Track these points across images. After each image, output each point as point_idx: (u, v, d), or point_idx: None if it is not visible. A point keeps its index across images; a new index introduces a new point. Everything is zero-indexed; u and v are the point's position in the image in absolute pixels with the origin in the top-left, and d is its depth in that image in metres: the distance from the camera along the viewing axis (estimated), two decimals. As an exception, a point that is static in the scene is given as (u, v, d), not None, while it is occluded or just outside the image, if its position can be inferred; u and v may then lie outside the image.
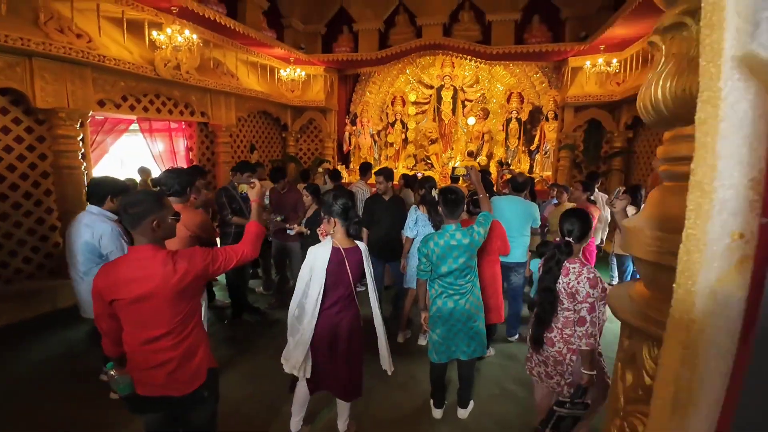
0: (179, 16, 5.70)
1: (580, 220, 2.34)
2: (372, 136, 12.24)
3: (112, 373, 1.89)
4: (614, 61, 7.43)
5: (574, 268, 2.31)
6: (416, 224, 4.26)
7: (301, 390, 2.71)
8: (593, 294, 2.22)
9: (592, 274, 2.27)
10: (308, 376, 2.57)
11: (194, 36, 5.61)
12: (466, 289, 2.91)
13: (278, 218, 4.82)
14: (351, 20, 8.84)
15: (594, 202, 5.01)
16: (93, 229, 2.90)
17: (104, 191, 2.98)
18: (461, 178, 6.21)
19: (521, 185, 4.59)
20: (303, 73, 8.49)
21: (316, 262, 2.53)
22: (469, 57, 8.91)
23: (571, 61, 8.22)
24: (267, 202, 5.53)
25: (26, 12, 4.44)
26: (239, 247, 2.13)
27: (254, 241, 2.19)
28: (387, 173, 4.81)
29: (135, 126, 6.50)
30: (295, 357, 2.52)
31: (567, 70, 8.37)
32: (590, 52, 7.67)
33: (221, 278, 5.79)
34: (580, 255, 4.84)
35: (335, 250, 2.55)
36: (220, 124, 7.34)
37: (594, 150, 9.15)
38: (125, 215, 1.81)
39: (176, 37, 5.43)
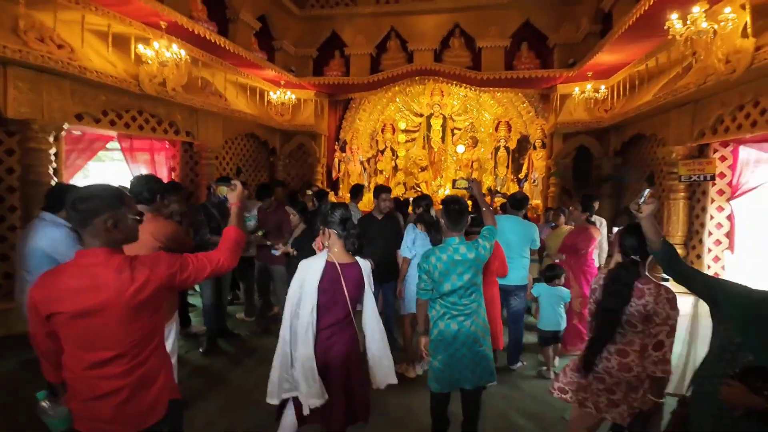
0: (168, 32, 5.54)
1: (641, 236, 2.11)
2: (362, 162, 12.10)
3: (43, 404, 1.50)
4: (602, 87, 7.49)
5: (649, 289, 2.07)
6: (414, 244, 3.96)
7: (288, 419, 2.30)
8: (674, 316, 2.03)
9: (672, 295, 2.05)
10: (318, 404, 2.16)
11: (182, 51, 5.42)
12: (471, 310, 2.60)
13: (260, 233, 4.47)
14: (343, 45, 8.85)
15: (594, 223, 4.81)
16: (45, 234, 2.55)
17: (60, 197, 2.63)
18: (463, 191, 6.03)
19: (519, 202, 4.37)
20: (293, 97, 8.35)
21: (307, 275, 2.21)
22: (459, 83, 8.95)
23: (559, 88, 8.28)
24: (254, 222, 5.21)
25: (5, 19, 4.20)
26: (215, 255, 1.79)
27: (232, 249, 1.86)
28: (390, 190, 4.60)
29: (114, 144, 6.17)
30: (305, 390, 2.13)
31: (556, 97, 8.42)
32: (578, 78, 7.74)
33: (198, 302, 5.34)
34: (587, 275, 4.64)
35: (330, 265, 2.24)
36: (206, 145, 7.07)
37: (583, 177, 9.10)
38: (73, 212, 1.47)
39: (163, 53, 5.23)
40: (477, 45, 8.15)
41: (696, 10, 4.46)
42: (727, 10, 4.36)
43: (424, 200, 4.29)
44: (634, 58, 6.80)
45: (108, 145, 6.16)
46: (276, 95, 8.14)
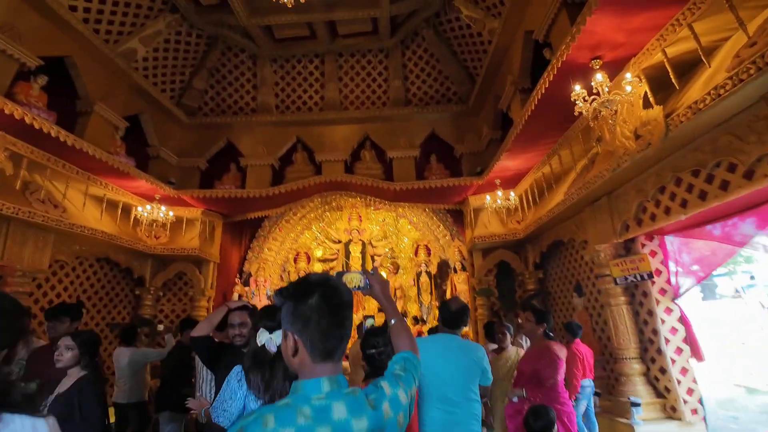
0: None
1: None
2: (269, 297, 9.98)
3: None
4: (512, 194, 6.82)
5: None
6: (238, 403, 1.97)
7: None
8: None
9: None
10: None
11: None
12: None
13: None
14: (240, 156, 7.65)
15: (553, 338, 3.19)
16: None
17: None
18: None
19: (455, 315, 2.65)
20: (171, 214, 6.61)
21: None
22: (371, 200, 7.95)
23: (471, 201, 7.57)
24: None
25: None
26: None
27: None
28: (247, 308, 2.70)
29: None
30: None
31: (469, 211, 7.64)
32: (488, 188, 7.11)
33: None
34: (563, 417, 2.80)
35: None
36: (13, 267, 4.82)
37: (509, 295, 7.84)
38: None
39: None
40: (388, 155, 7.45)
41: (599, 77, 3.88)
42: (628, 75, 3.82)
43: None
44: (536, 161, 6.32)
45: None
46: (146, 210, 6.33)
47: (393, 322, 1.47)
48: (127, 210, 6.54)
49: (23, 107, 4.55)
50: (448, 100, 7.80)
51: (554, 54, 4.37)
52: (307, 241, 10.90)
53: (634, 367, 5.01)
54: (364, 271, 1.58)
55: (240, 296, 9.84)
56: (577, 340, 4.92)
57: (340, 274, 1.65)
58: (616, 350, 5.15)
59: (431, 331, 4.67)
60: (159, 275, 7.29)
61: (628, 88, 3.87)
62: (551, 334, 3.28)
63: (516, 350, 3.89)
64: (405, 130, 7.53)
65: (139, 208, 6.37)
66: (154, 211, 6.42)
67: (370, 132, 7.56)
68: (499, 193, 6.85)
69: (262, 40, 6.85)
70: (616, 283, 5.09)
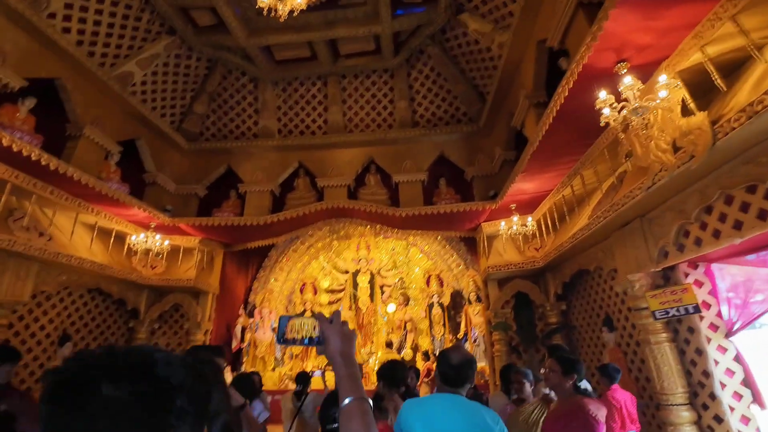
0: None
1: None
2: (273, 330, 9.36)
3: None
4: (529, 219, 6.17)
5: None
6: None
7: None
8: None
9: None
10: None
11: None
12: None
13: None
14: (240, 182, 7.26)
15: (589, 394, 2.49)
16: None
17: None
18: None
19: (458, 369, 1.91)
20: (166, 243, 6.19)
21: None
22: (378, 226, 7.41)
23: (484, 228, 6.94)
24: None
25: None
26: None
27: None
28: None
29: None
30: None
31: (482, 238, 7.00)
32: (502, 213, 6.50)
33: None
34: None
35: None
36: (-13, 297, 4.41)
37: (528, 329, 7.04)
38: None
39: None
40: (393, 180, 6.95)
41: (628, 80, 3.34)
42: (662, 78, 3.26)
43: None
44: (555, 182, 5.72)
45: None
46: (140, 239, 5.93)
47: (346, 402, 0.90)
48: (121, 238, 6.17)
49: (4, 130, 4.27)
50: (458, 120, 7.34)
51: (572, 60, 3.87)
52: (314, 271, 10.36)
53: (683, 416, 4.17)
54: (319, 317, 1.04)
55: (243, 328, 9.28)
56: (615, 386, 4.13)
57: (285, 320, 1.11)
58: (659, 395, 4.33)
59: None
60: (155, 306, 6.81)
61: (663, 93, 3.30)
62: (586, 386, 2.56)
63: (539, 403, 3.13)
64: (412, 153, 7.06)
65: (133, 237, 5.97)
66: (148, 240, 6.01)
67: (375, 156, 7.12)
68: (515, 218, 6.23)
69: (263, 62, 6.61)
70: (655, 318, 4.34)
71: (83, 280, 5.67)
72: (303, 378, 4.08)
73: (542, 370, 3.74)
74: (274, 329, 9.31)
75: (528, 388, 2.90)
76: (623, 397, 4.06)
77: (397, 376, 2.56)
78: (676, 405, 4.22)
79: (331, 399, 1.53)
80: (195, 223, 6.51)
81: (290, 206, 6.83)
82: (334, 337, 1.00)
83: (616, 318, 5.48)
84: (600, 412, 2.30)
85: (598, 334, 6.00)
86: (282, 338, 1.08)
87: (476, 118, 7.17)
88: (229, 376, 8.38)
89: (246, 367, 8.70)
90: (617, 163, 4.67)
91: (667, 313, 4.27)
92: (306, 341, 1.05)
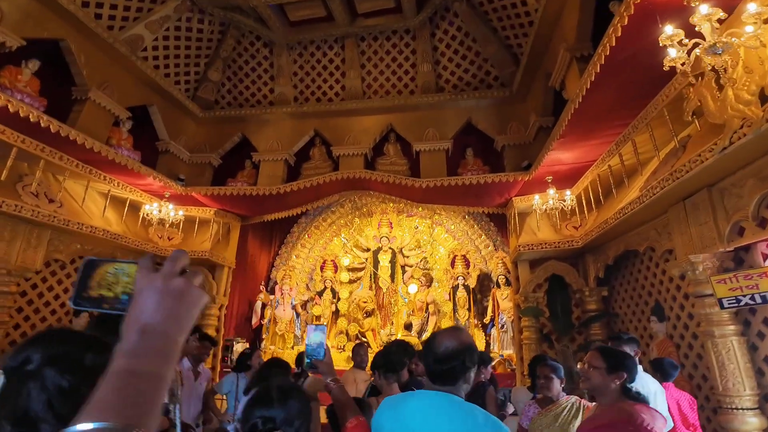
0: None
1: None
2: (294, 307, 9.16)
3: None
4: (567, 194, 5.42)
5: None
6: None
7: None
8: None
9: None
10: None
11: None
12: None
13: None
14: (255, 152, 6.85)
15: (642, 399, 1.87)
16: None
17: None
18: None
19: (445, 362, 1.35)
20: (181, 214, 5.96)
21: None
22: (405, 203, 6.87)
23: (516, 203, 6.24)
24: None
25: None
26: None
27: None
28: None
29: None
30: None
31: (513, 215, 6.32)
32: (537, 187, 5.77)
33: None
34: None
35: None
36: (-3, 264, 4.30)
37: (564, 316, 6.33)
38: None
39: None
40: (414, 149, 6.34)
41: (704, 9, 2.58)
42: (751, 6, 2.48)
43: None
44: (600, 151, 4.94)
45: None
46: (153, 208, 5.71)
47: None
48: (136, 208, 5.99)
49: (4, 92, 4.05)
50: (488, 86, 6.58)
51: (631, -12, 3.09)
52: (336, 248, 10.01)
53: (750, 422, 3.47)
54: (143, 262, 0.57)
55: (264, 305, 9.14)
56: (669, 383, 3.46)
57: (90, 267, 0.69)
58: (720, 396, 3.63)
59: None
60: (172, 280, 6.65)
61: (750, 28, 2.52)
62: (635, 389, 1.90)
63: (574, 402, 2.50)
64: (435, 120, 6.39)
65: (146, 206, 5.76)
66: (162, 210, 5.79)
67: (394, 123, 6.50)
68: (551, 191, 5.50)
69: (276, 24, 6.11)
70: (722, 307, 3.59)
71: (98, 249, 5.54)
72: (303, 359, 3.69)
73: (579, 365, 3.14)
74: (293, 306, 9.11)
75: (557, 385, 2.31)
76: (680, 397, 3.40)
77: (392, 361, 2.08)
78: (742, 409, 3.51)
79: (264, 398, 1.06)
80: (207, 193, 6.22)
81: (305, 176, 6.40)
82: (146, 296, 0.56)
83: (668, 306, 4.72)
84: (657, 423, 1.70)
85: (645, 324, 5.26)
86: (78, 297, 0.64)
87: (508, 83, 6.38)
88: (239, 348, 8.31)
89: (266, 344, 8.57)
90: (680, 127, 3.87)
91: (738, 301, 3.52)
92: (124, 301, 0.63)
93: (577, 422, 2.18)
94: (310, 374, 3.64)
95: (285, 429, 1.02)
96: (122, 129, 5.56)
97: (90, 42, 4.97)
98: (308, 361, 1.45)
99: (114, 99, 5.24)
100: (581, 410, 2.21)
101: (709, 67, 2.79)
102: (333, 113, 6.68)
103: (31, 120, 4.03)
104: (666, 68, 2.84)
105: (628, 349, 2.83)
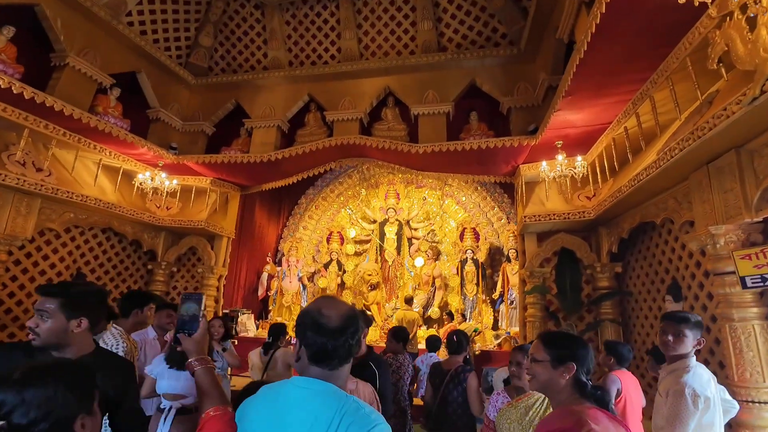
0: None
1: None
2: (300, 279, 9.11)
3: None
4: (579, 159, 4.87)
5: None
6: None
7: None
8: None
9: None
10: None
11: None
12: None
13: None
14: (248, 118, 6.61)
15: (600, 398, 1.39)
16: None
17: None
18: None
19: (329, 333, 1.03)
20: (174, 182, 5.84)
21: None
22: (404, 169, 6.49)
23: (523, 171, 5.74)
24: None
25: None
26: None
27: None
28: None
29: None
30: None
31: (520, 184, 5.82)
32: (546, 153, 5.23)
33: None
34: None
35: None
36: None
37: (572, 293, 5.89)
38: None
39: None
40: (412, 112, 5.89)
41: None
42: None
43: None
44: (615, 112, 4.35)
45: None
46: (145, 177, 5.61)
47: None
48: (130, 177, 5.92)
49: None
50: (495, 44, 5.94)
51: None
52: (343, 220, 9.81)
53: (767, 417, 3.04)
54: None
55: (270, 276, 9.13)
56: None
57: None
58: (735, 387, 3.19)
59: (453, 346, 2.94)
60: (172, 249, 6.67)
61: None
62: (596, 386, 1.40)
63: (541, 397, 1.95)
64: (436, 81, 5.87)
65: (140, 176, 5.67)
66: (155, 179, 5.69)
67: (392, 86, 6.02)
68: (560, 157, 4.96)
69: (265, -19, 5.70)
70: (744, 286, 3.10)
71: (92, 219, 5.53)
72: (275, 330, 3.52)
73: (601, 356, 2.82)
74: (300, 278, 9.02)
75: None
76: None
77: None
78: (758, 402, 3.08)
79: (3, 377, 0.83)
80: (199, 161, 6.05)
81: (299, 143, 6.08)
82: None
83: (686, 285, 4.21)
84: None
85: (660, 304, 4.76)
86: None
87: (516, 40, 5.73)
88: (252, 325, 8.38)
89: (273, 316, 8.60)
90: (707, 82, 3.27)
91: (764, 280, 3.02)
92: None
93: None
94: (281, 346, 3.48)
95: (14, 419, 0.78)
96: (110, 96, 5.41)
97: (66, 6, 4.75)
98: (176, 335, 1.20)
99: (96, 65, 5.05)
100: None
101: (738, 3, 2.24)
102: (328, 76, 6.26)
103: (2, 86, 3.89)
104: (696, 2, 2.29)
105: (691, 336, 2.05)
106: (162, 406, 2.19)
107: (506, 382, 2.29)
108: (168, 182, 5.79)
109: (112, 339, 2.32)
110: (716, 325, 3.74)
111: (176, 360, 2.20)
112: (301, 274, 9.12)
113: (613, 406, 1.30)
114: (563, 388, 1.30)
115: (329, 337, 1.02)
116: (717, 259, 3.34)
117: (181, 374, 2.20)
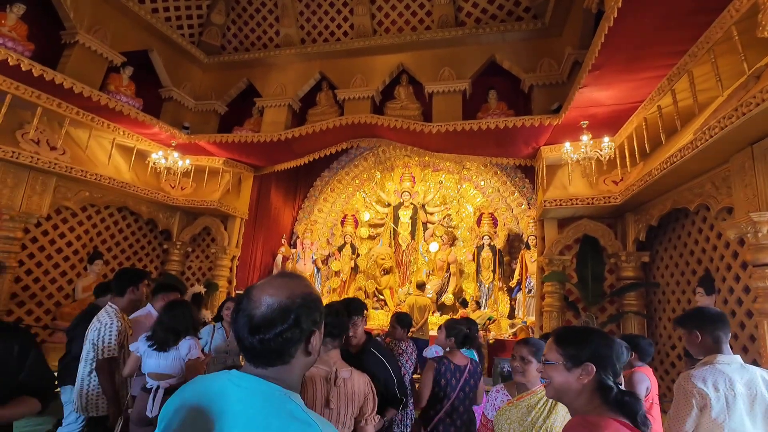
0: None
1: None
2: (314, 262, 9.11)
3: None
4: (605, 140, 4.54)
5: None
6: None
7: None
8: None
9: None
10: None
11: None
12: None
13: None
14: (260, 97, 6.49)
15: (628, 405, 1.20)
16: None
17: None
18: None
19: (266, 324, 0.83)
20: (187, 162, 5.82)
21: None
22: (411, 148, 6.29)
23: (545, 153, 5.43)
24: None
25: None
26: None
27: None
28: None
29: None
30: None
31: (541, 167, 5.52)
32: (570, 134, 4.91)
33: None
34: None
35: None
36: (-1, 210, 4.39)
37: (594, 283, 5.61)
38: None
39: None
40: (426, 90, 5.63)
41: None
42: None
43: None
44: (647, 90, 3.98)
45: None
46: (158, 156, 5.59)
47: None
48: (146, 157, 5.94)
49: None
50: (517, 18, 5.56)
51: None
52: (357, 203, 9.69)
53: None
54: None
55: (284, 258, 9.15)
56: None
57: None
58: (771, 389, 2.92)
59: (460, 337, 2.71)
60: (186, 229, 6.72)
61: None
62: (624, 390, 1.25)
63: (544, 396, 1.79)
64: (453, 58, 5.55)
65: (154, 155, 5.67)
66: (169, 159, 5.67)
67: (406, 63, 5.75)
68: (585, 138, 4.64)
69: (276, -47, 5.47)
70: (786, 281, 2.82)
71: (108, 197, 5.59)
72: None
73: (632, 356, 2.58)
74: (314, 261, 9.00)
75: (533, 368, 1.79)
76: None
77: (329, 323, 1.66)
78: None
79: None
80: (211, 140, 5.99)
81: (311, 122, 5.94)
82: None
83: (720, 277, 3.90)
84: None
85: (689, 297, 4.45)
86: None
87: (541, 14, 5.33)
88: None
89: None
90: (755, 55, 2.91)
91: (811, 274, 2.72)
92: None
93: (551, 421, 1.69)
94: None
95: None
96: (123, 75, 5.38)
97: (76, -19, 4.69)
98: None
99: (107, 43, 5.01)
100: (559, 405, 1.71)
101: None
102: (340, 53, 6.03)
103: (10, 63, 3.88)
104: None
105: (723, 335, 1.81)
106: (148, 386, 2.16)
107: (504, 377, 2.13)
108: (181, 162, 5.77)
109: (106, 317, 2.29)
110: (752, 321, 3.45)
111: (159, 340, 2.15)
112: (315, 257, 9.11)
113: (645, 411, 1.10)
114: (581, 393, 1.10)
115: (253, 332, 0.81)
116: (758, 249, 3.03)
117: (169, 354, 2.15)
